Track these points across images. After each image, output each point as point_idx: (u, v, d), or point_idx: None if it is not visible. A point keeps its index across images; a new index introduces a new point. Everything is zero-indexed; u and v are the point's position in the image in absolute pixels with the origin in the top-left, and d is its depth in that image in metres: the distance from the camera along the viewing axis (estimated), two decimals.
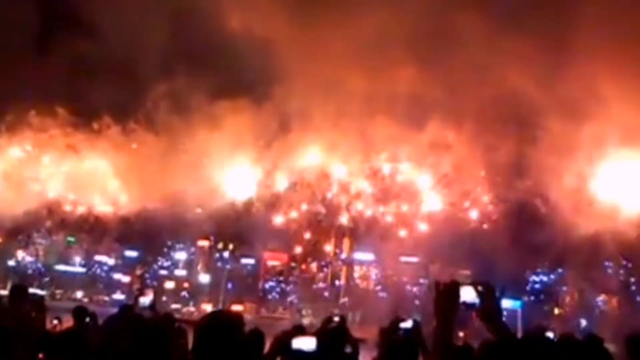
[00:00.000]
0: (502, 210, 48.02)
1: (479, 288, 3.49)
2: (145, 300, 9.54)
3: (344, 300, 54.00)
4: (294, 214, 53.16)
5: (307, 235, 54.23)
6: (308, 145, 50.22)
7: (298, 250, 55.14)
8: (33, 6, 50.43)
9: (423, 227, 50.03)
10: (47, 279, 58.01)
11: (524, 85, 40.92)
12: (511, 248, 47.57)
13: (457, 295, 3.46)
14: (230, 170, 51.28)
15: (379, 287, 53.30)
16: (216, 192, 50.36)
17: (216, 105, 48.04)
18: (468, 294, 3.48)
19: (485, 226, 48.95)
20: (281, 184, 52.54)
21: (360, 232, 53.43)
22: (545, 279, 51.95)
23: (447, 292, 3.49)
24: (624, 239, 42.69)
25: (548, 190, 44.15)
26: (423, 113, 45.85)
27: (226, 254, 58.36)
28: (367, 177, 51.90)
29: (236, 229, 52.52)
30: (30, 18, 50.02)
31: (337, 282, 55.25)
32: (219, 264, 58.28)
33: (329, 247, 55.27)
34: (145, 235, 54.26)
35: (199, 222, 50.50)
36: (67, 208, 54.70)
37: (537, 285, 51.86)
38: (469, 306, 3.48)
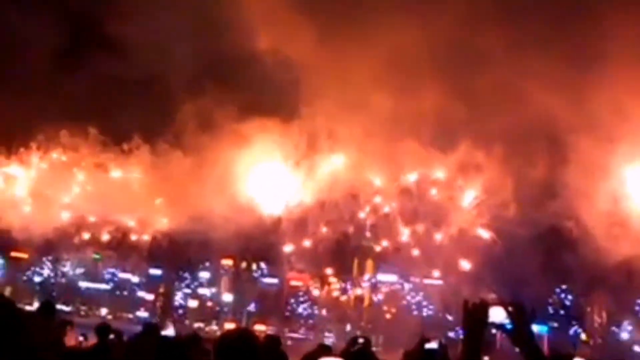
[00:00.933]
0: (531, 233, 47.20)
1: (510, 309, 3.42)
2: (167, 332, 9.53)
3: (366, 321, 53.61)
4: (319, 234, 53.03)
5: (331, 256, 54.01)
6: (336, 164, 50.13)
7: (322, 270, 54.86)
8: (62, 26, 51.44)
9: (449, 248, 49.47)
10: (72, 296, 58.47)
11: (554, 105, 40.49)
12: (539, 272, 46.99)
13: (486, 316, 3.40)
14: (258, 188, 51.34)
15: (402, 309, 52.72)
16: (243, 210, 50.42)
17: (244, 125, 48.43)
18: (498, 315, 3.42)
19: (512, 249, 48.22)
20: (308, 203, 52.42)
21: (384, 253, 53.13)
22: (571, 303, 50.99)
23: (475, 312, 3.43)
24: None
25: (579, 213, 43.33)
26: (451, 134, 45.69)
27: (250, 274, 58.39)
28: (395, 197, 51.52)
29: (261, 248, 52.46)
30: (60, 38, 51.03)
31: (360, 303, 54.85)
32: (243, 283, 58.26)
33: (353, 268, 54.97)
34: (170, 253, 54.55)
35: (224, 241, 50.50)
36: (96, 226, 55.33)
37: (563, 311, 50.91)
38: (499, 327, 3.42)
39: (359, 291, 54.90)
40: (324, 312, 54.98)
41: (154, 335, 8.79)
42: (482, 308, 3.43)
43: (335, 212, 52.28)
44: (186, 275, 59.33)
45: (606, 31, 38.66)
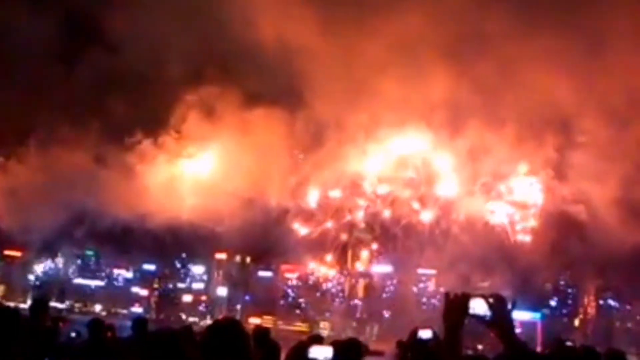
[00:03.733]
0: (539, 220, 47.04)
1: (490, 300, 3.47)
2: None
3: (361, 312, 53.80)
4: (321, 226, 52.80)
5: (326, 247, 53.96)
6: (340, 155, 49.33)
7: (316, 262, 54.84)
8: (60, 21, 50.89)
9: (444, 237, 49.18)
10: (66, 293, 58.40)
11: (564, 89, 40.24)
12: (533, 259, 47.18)
13: (466, 307, 3.45)
14: (263, 179, 50.83)
15: (397, 300, 52.85)
16: (244, 203, 50.17)
17: (248, 114, 48.23)
18: (479, 306, 3.46)
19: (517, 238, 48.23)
20: (312, 195, 51.94)
21: (380, 244, 53.11)
22: (566, 290, 51.28)
23: (456, 304, 3.49)
24: None
25: (588, 197, 43.06)
26: (459, 120, 45.28)
27: (244, 267, 58.45)
28: (402, 186, 50.97)
29: (254, 241, 52.09)
30: (57, 33, 50.55)
31: (354, 295, 54.99)
32: (237, 277, 58.33)
33: (348, 259, 54.98)
34: (164, 248, 54.41)
35: (223, 235, 50.25)
36: (94, 221, 55.08)
37: (557, 297, 51.20)
38: (480, 319, 3.47)
39: (353, 282, 55.04)
40: (318, 304, 55.07)
41: (144, 330, 8.82)
42: (463, 299, 3.48)
43: (339, 202, 51.93)
44: (180, 269, 59.35)
45: (618, 12, 38.37)
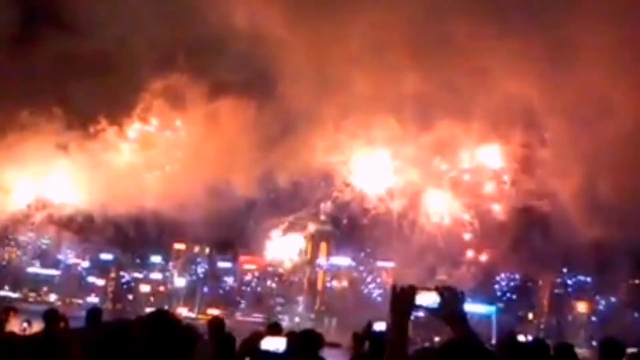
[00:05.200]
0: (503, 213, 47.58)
1: (442, 293, 3.52)
2: None
3: (320, 304, 54.00)
4: (282, 217, 52.62)
5: (287, 239, 53.88)
6: (308, 145, 48.93)
7: (277, 253, 54.70)
8: (14, 1, 49.50)
9: (410, 230, 49.40)
10: (20, 282, 57.20)
11: (528, 88, 40.84)
12: (487, 254, 47.94)
13: (412, 299, 3.50)
14: (231, 170, 50.28)
15: (355, 292, 53.13)
16: (209, 192, 49.72)
17: (216, 104, 47.69)
18: (429, 299, 3.52)
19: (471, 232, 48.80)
20: (279, 185, 51.41)
21: (340, 236, 53.29)
22: (520, 284, 52.19)
23: (402, 296, 3.53)
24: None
25: (553, 192, 43.81)
26: (427, 114, 45.49)
27: (203, 258, 58.09)
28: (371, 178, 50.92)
29: (217, 231, 51.40)
30: (14, 17, 49.16)
31: (314, 286, 55.14)
32: (195, 267, 57.95)
33: (307, 251, 55.03)
34: (125, 237, 53.61)
35: (187, 225, 49.61)
36: (52, 209, 54.07)
37: (509, 292, 52.07)
38: (431, 311, 3.52)
39: (312, 274, 55.18)
40: (277, 295, 55.09)
41: (98, 320, 8.69)
42: (410, 292, 3.52)
43: (306, 193, 51.75)
44: (138, 259, 58.67)
45: (582, 14, 39.07)
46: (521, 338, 7.57)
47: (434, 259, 46.30)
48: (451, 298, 3.50)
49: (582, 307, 50.86)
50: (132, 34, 46.98)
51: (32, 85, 47.56)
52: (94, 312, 9.79)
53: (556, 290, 51.72)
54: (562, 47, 40.31)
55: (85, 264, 58.44)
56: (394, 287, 3.58)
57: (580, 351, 6.66)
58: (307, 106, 45.58)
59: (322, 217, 53.25)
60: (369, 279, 53.42)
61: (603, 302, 50.23)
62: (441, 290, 3.51)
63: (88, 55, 47.52)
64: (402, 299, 3.50)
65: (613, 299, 49.63)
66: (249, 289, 56.76)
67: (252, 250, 55.28)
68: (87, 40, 46.69)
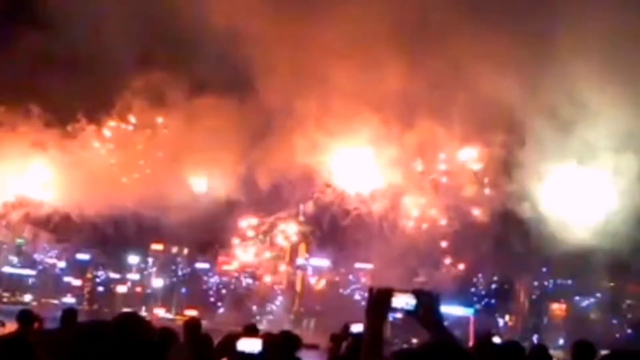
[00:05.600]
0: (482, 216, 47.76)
1: (418, 295, 3.55)
2: None
3: (298, 305, 53.95)
4: (263, 217, 52.42)
5: (266, 239, 53.74)
6: (289, 145, 48.51)
7: (256, 254, 54.53)
8: None
9: (390, 231, 49.39)
10: None
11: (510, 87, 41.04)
12: (467, 255, 48.23)
13: (389, 302, 3.52)
14: (212, 169, 49.86)
15: (334, 294, 53.15)
16: (188, 192, 49.32)
17: (195, 102, 47.37)
18: (405, 301, 3.54)
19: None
20: (259, 185, 51.10)
21: (318, 238, 53.24)
22: (498, 286, 52.58)
23: (378, 298, 3.55)
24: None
25: (533, 196, 44.09)
26: (410, 112, 45.45)
27: (181, 258, 57.80)
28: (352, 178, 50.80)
29: (197, 231, 51.01)
30: None
31: (292, 288, 55.07)
32: (173, 268, 57.63)
33: (286, 252, 54.94)
34: (103, 237, 53.13)
35: (157, 225, 49.35)
36: (30, 207, 53.46)
37: (488, 294, 52.44)
38: (408, 313, 3.55)
39: (291, 276, 55.12)
40: (255, 296, 54.95)
41: (73, 321, 8.60)
42: (386, 294, 3.55)
43: (287, 193, 51.52)
44: (115, 260, 58.19)
45: (565, 15, 39.35)
46: (496, 340, 7.64)
47: (414, 261, 46.42)
48: (427, 300, 3.52)
49: (559, 309, 51.40)
50: (109, 30, 46.50)
51: (8, 82, 46.94)
52: (69, 313, 9.71)
53: (534, 293, 52.24)
54: (546, 46, 40.56)
55: (62, 264, 57.83)
56: (370, 290, 3.61)
57: (555, 353, 6.72)
58: (287, 104, 45.51)
59: (302, 218, 53.20)
60: (348, 281, 53.48)
61: (581, 305, 50.79)
62: (417, 292, 3.54)
63: (66, 53, 46.96)
64: (378, 301, 3.52)
65: (589, 301, 50.24)
66: (226, 290, 56.55)
67: (231, 251, 55.05)
68: (65, 37, 46.06)
